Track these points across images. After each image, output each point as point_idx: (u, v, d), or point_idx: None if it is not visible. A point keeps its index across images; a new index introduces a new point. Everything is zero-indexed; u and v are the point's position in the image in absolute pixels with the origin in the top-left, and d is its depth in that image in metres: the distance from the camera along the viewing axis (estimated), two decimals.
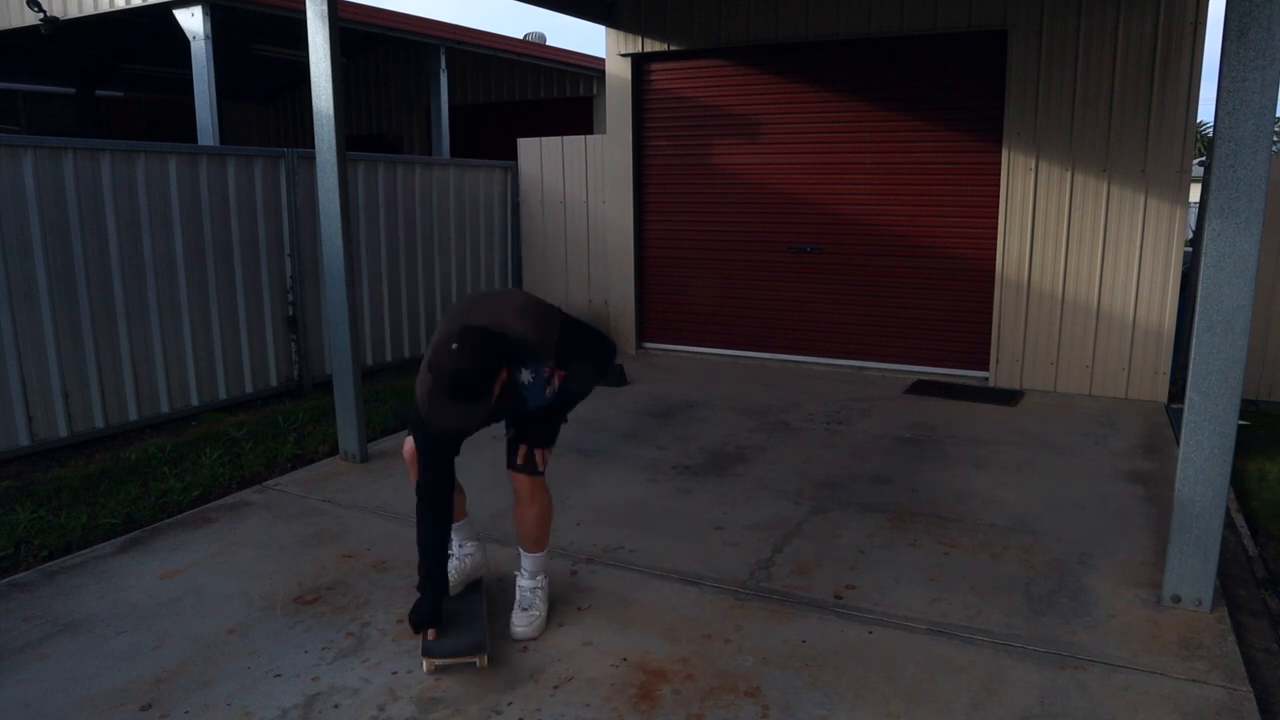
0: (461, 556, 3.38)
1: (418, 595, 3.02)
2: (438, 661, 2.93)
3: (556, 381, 2.96)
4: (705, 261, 7.85)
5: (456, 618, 3.10)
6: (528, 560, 3.23)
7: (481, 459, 5.13)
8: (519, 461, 3.11)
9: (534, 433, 3.11)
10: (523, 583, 3.24)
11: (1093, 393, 6.52)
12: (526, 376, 2.87)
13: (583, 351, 3.08)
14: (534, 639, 3.11)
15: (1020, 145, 6.46)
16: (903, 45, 6.81)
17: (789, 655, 3.02)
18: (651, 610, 3.33)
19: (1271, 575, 3.73)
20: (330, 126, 4.77)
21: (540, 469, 3.13)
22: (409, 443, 3.19)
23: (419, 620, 2.96)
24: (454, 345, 2.64)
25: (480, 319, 2.79)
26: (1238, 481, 4.74)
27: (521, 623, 3.15)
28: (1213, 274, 3.03)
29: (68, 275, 5.26)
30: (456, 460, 3.08)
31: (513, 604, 3.22)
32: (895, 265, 7.09)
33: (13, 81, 13.42)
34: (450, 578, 3.21)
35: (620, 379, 6.97)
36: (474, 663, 2.94)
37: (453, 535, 3.27)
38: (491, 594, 3.40)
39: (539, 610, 3.19)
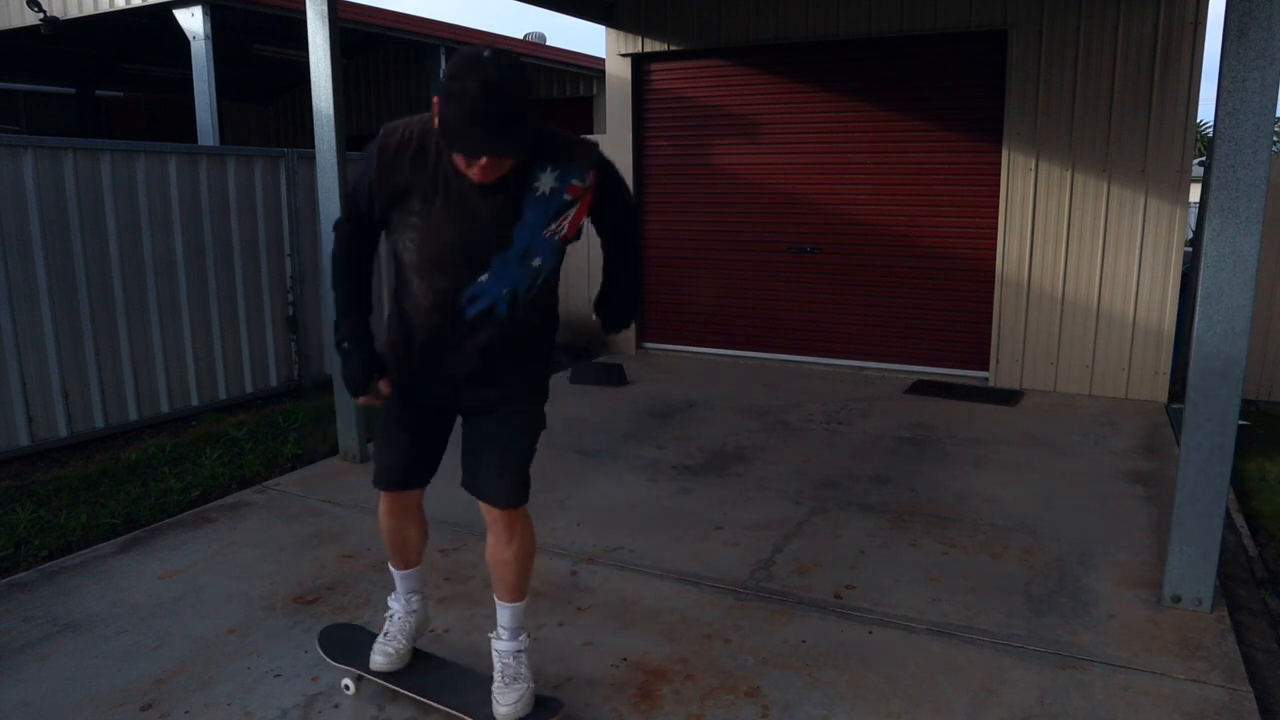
0: (408, 612, 2.79)
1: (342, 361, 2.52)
2: (390, 683, 2.65)
3: (569, 225, 2.37)
4: (705, 261, 7.85)
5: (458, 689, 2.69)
6: (507, 615, 2.59)
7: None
8: (491, 488, 2.49)
9: (510, 442, 2.52)
10: (501, 646, 2.59)
11: (1093, 393, 6.52)
12: (547, 182, 2.28)
13: (615, 198, 2.52)
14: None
15: (1020, 145, 6.46)
16: (903, 45, 6.81)
17: (789, 655, 3.02)
18: (651, 610, 3.33)
19: (1271, 575, 3.73)
20: (330, 126, 4.77)
21: (524, 497, 2.53)
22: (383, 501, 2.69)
23: (357, 373, 2.47)
24: (486, 53, 2.05)
25: None
26: (1238, 481, 4.74)
27: (506, 700, 2.49)
28: (1213, 274, 3.03)
29: (68, 275, 5.26)
30: (426, 484, 2.68)
31: (490, 673, 2.61)
32: (895, 265, 7.09)
33: (13, 81, 13.42)
34: (398, 643, 2.74)
35: (620, 379, 6.97)
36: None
37: (400, 583, 2.80)
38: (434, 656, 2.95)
39: (526, 680, 2.55)
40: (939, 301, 7.00)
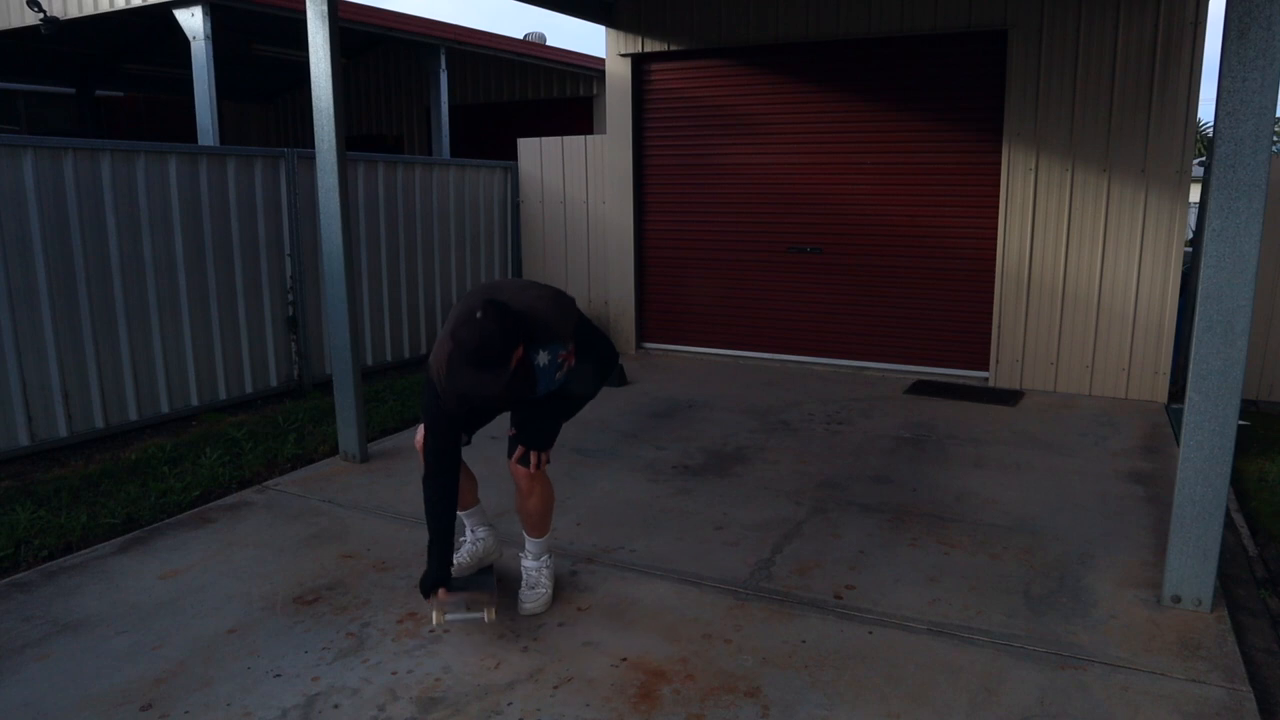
0: (474, 541, 3.49)
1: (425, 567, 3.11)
2: (449, 616, 3.14)
3: (567, 368, 3.08)
4: (705, 261, 7.86)
5: (467, 586, 3.26)
6: (531, 544, 3.38)
7: (483, 456, 5.12)
8: (522, 450, 3.21)
9: (534, 432, 3.21)
10: (528, 563, 3.38)
11: (1093, 393, 6.52)
12: (543, 358, 2.97)
13: (591, 344, 3.22)
14: (541, 613, 3.28)
15: (1020, 145, 6.46)
16: (903, 45, 6.81)
17: (789, 655, 3.02)
18: (651, 610, 3.33)
19: (1271, 575, 3.73)
20: (330, 126, 4.77)
21: (539, 467, 3.24)
22: (420, 431, 3.23)
23: (427, 583, 3.06)
24: (479, 314, 2.71)
25: (503, 297, 2.88)
26: (1238, 481, 4.73)
27: (529, 599, 3.30)
28: (1213, 274, 3.03)
29: (68, 275, 5.26)
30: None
31: (519, 585, 3.37)
32: (896, 265, 7.09)
33: (13, 81, 13.42)
34: (463, 560, 3.40)
35: (620, 379, 6.97)
36: (481, 617, 3.15)
37: (465, 521, 3.46)
38: (502, 578, 3.44)
39: (545, 587, 3.34)
40: (939, 301, 7.00)
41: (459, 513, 3.34)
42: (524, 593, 3.34)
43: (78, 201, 5.27)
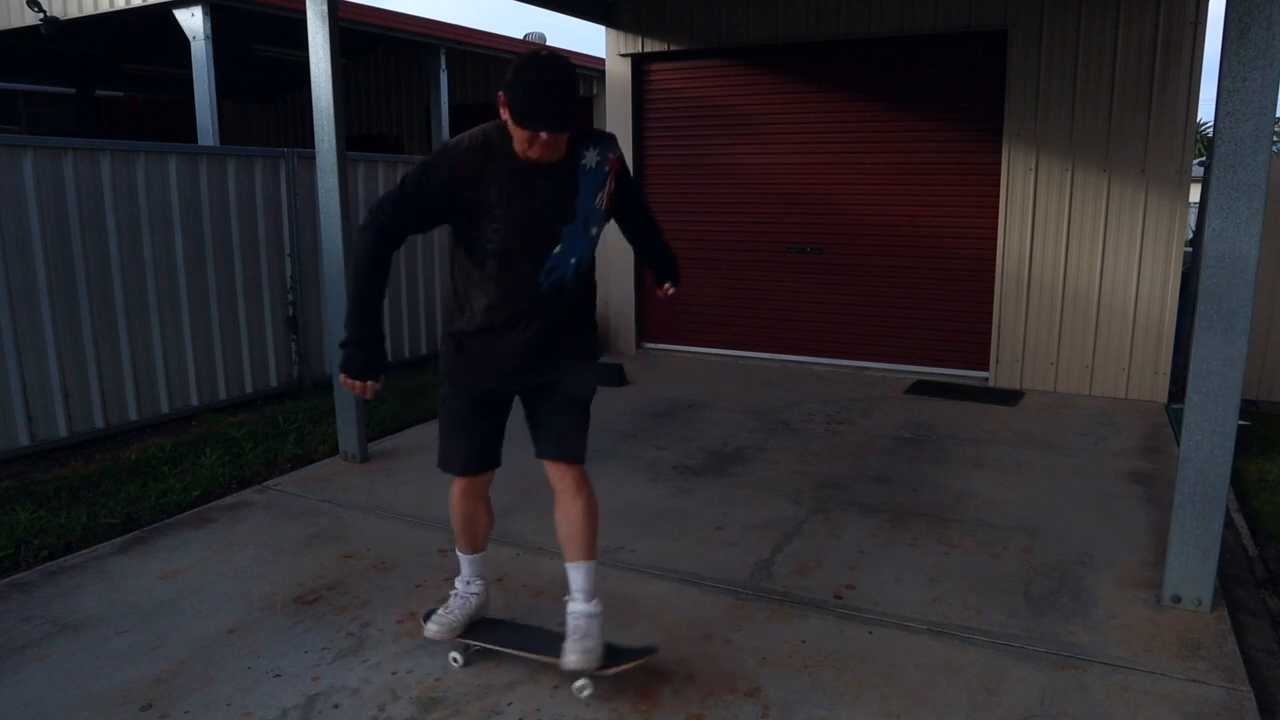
0: (467, 595, 3.03)
1: (346, 355, 2.68)
2: (611, 671, 2.72)
3: (607, 196, 2.75)
4: (706, 261, 7.85)
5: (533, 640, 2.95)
6: (580, 575, 2.77)
7: None
8: (562, 447, 2.80)
9: (577, 406, 2.85)
10: (576, 608, 2.76)
11: (1093, 393, 6.52)
12: (591, 158, 2.68)
13: (630, 180, 2.92)
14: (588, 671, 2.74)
15: (1020, 145, 6.46)
16: (903, 45, 6.81)
17: (789, 655, 3.02)
18: (651, 610, 3.33)
19: (1271, 575, 3.73)
20: (330, 126, 4.77)
21: (583, 457, 2.85)
22: (455, 488, 2.94)
23: (355, 363, 2.65)
24: (543, 53, 2.51)
25: None
26: (1238, 481, 4.73)
27: (576, 652, 2.71)
28: (1213, 274, 3.03)
29: (68, 275, 5.26)
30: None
31: (563, 631, 2.80)
32: (896, 265, 7.09)
33: (13, 81, 13.42)
34: (454, 618, 2.97)
35: (620, 379, 6.97)
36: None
37: (467, 567, 3.05)
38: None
39: (595, 640, 2.73)
40: (939, 301, 7.00)
41: (464, 555, 3.03)
42: (570, 645, 2.71)
43: (78, 201, 5.27)
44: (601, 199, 2.74)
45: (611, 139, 2.76)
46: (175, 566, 3.73)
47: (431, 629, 2.96)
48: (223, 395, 6.31)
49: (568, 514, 2.81)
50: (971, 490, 4.58)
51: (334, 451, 5.18)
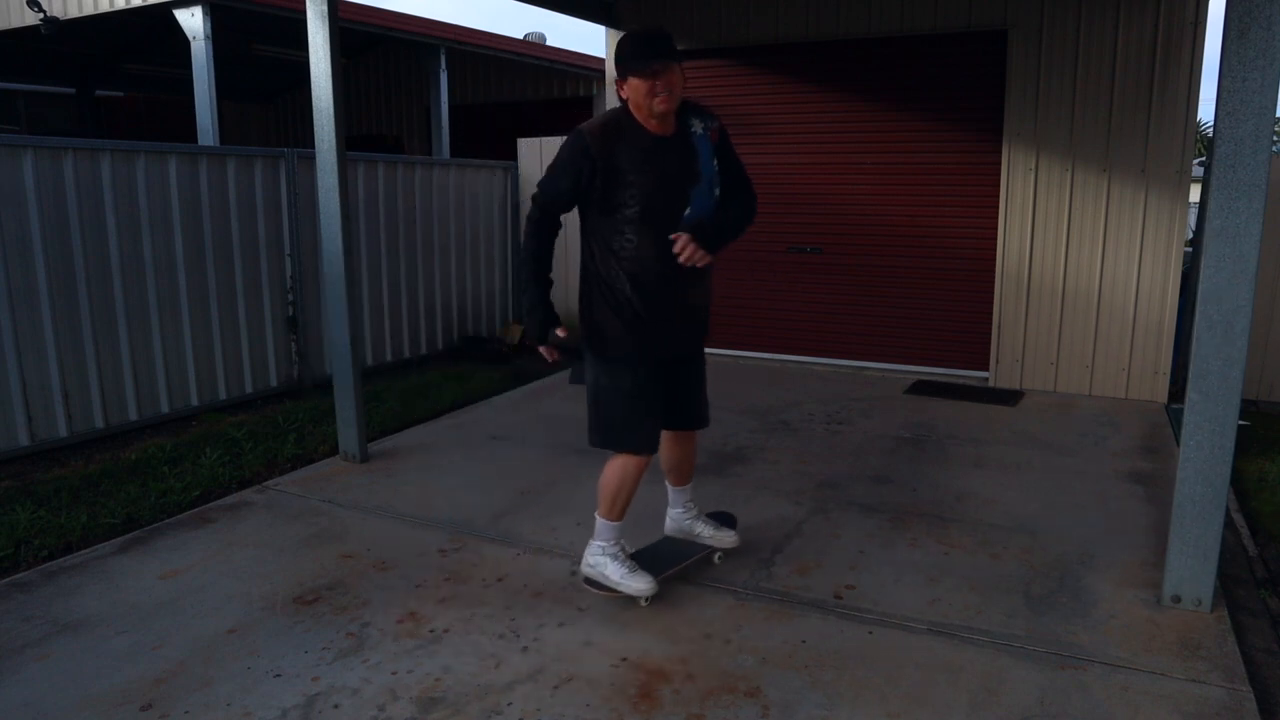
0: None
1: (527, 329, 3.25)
2: (668, 572, 3.40)
3: (717, 160, 3.16)
4: None
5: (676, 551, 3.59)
6: (680, 496, 3.66)
7: (477, 458, 5.13)
8: (702, 416, 3.47)
9: (703, 381, 3.45)
10: (694, 519, 3.69)
11: (1093, 393, 6.52)
12: (698, 126, 3.11)
13: (731, 148, 3.27)
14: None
15: (1020, 145, 6.46)
16: (903, 45, 6.81)
17: (789, 655, 3.02)
18: (651, 610, 3.33)
19: (1271, 575, 3.73)
20: (330, 126, 4.76)
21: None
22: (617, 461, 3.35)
23: (535, 327, 3.16)
24: (634, 27, 3.04)
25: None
26: (1238, 481, 4.73)
27: (730, 537, 3.66)
28: (1213, 274, 3.03)
29: (68, 275, 5.26)
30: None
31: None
32: (896, 265, 7.09)
33: (13, 81, 13.42)
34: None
35: None
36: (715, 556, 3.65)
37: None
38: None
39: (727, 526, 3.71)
40: (939, 301, 7.00)
41: (616, 523, 3.35)
42: (720, 534, 3.66)
43: (78, 201, 5.27)
44: (714, 163, 3.13)
45: (712, 114, 3.20)
46: (175, 566, 3.73)
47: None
48: (223, 395, 6.31)
49: (687, 453, 3.55)
50: (971, 490, 4.58)
51: (334, 451, 5.18)
